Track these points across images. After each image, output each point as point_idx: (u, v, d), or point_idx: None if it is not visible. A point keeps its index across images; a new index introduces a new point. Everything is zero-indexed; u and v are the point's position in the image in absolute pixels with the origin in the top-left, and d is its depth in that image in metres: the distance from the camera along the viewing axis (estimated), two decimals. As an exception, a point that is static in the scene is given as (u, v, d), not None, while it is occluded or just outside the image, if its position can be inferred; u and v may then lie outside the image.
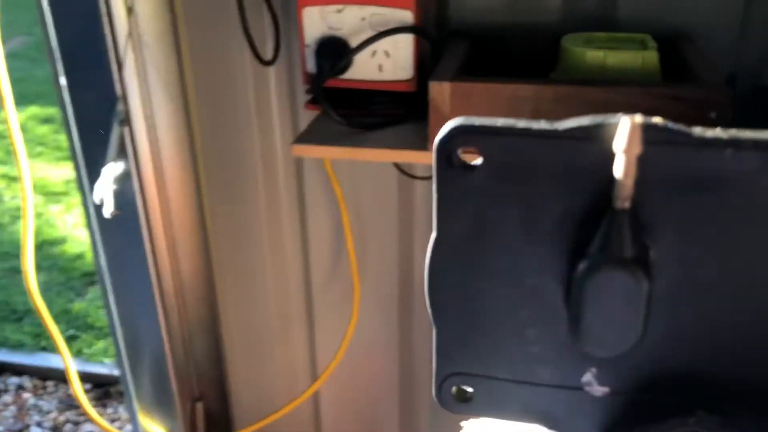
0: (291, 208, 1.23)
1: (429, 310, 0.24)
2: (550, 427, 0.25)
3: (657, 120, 0.20)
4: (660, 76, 0.88)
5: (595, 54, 0.89)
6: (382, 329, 1.31)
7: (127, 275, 1.22)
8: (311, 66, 0.97)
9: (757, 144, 0.18)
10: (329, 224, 1.23)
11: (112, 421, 1.97)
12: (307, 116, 1.12)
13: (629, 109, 0.75)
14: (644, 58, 0.88)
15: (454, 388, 0.26)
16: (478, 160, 0.21)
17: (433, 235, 0.23)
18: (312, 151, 0.93)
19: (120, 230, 1.18)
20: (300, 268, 1.29)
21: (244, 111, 1.15)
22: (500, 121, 0.21)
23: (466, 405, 0.25)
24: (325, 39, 0.94)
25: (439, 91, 0.85)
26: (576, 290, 0.21)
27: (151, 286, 1.23)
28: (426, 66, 0.97)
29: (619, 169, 0.19)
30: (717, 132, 0.19)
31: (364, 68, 0.96)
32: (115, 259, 1.21)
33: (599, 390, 0.23)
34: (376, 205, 1.19)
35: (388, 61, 0.95)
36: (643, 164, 0.19)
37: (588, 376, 0.23)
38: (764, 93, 0.85)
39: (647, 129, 0.19)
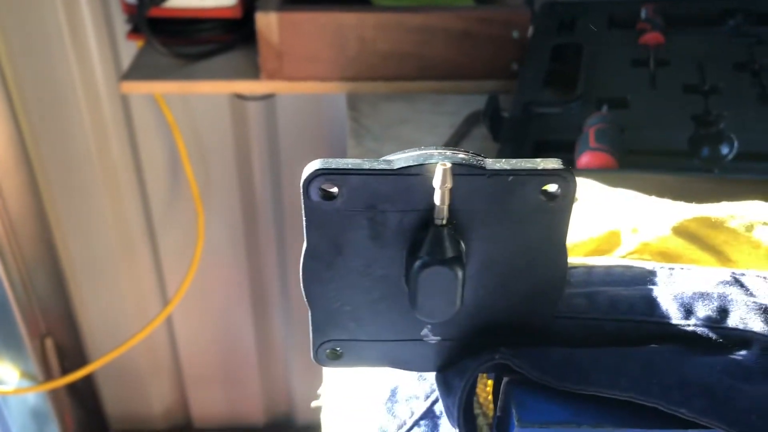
0: (120, 137, 1.21)
1: (304, 299, 0.31)
2: (400, 368, 0.33)
3: (462, 158, 0.27)
4: (472, 2, 0.95)
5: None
6: (229, 245, 1.35)
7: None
8: (130, -5, 0.94)
9: (528, 172, 0.27)
10: (162, 150, 1.22)
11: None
12: (127, 46, 1.09)
13: (445, 33, 0.81)
14: (454, -19, 0.95)
15: (327, 351, 0.33)
16: (335, 190, 0.27)
17: (304, 245, 0.29)
18: (141, 88, 0.92)
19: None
20: (137, 197, 1.29)
21: (57, 40, 1.10)
22: (350, 163, 0.27)
23: (337, 361, 0.33)
24: (142, -32, 0.92)
25: (266, 22, 0.87)
26: (412, 281, 0.28)
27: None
28: (249, -9, 0.97)
29: (437, 198, 0.27)
30: (503, 164, 0.27)
31: (186, -4, 0.95)
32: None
33: (433, 339, 0.32)
34: (211, 128, 1.20)
35: (210, -11, 0.95)
36: (453, 191, 0.27)
37: (425, 331, 0.32)
38: (553, 6, 0.95)
39: (454, 168, 0.26)
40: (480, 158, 0.28)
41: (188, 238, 1.28)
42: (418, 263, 0.28)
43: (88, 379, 1.48)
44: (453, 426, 0.31)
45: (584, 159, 0.66)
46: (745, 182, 0.63)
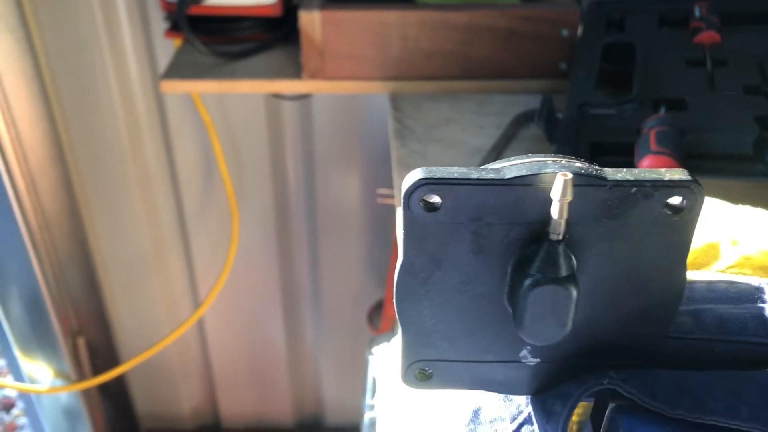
0: (155, 136, 1.20)
1: (397, 316, 0.29)
2: (494, 391, 0.31)
3: (579, 167, 0.25)
4: (518, -1, 0.93)
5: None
6: (261, 247, 1.34)
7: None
8: (169, -7, 0.93)
9: (654, 183, 0.25)
10: (196, 150, 1.21)
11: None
12: (163, 45, 1.08)
13: (490, 31, 0.79)
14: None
15: (417, 372, 0.31)
16: (437, 201, 0.25)
17: (400, 260, 0.27)
18: (181, 87, 0.91)
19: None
20: (171, 197, 1.28)
21: (93, 39, 1.09)
22: (456, 172, 0.25)
23: (426, 382, 0.31)
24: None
25: (309, 20, 0.85)
26: (521, 300, 0.26)
27: (17, 226, 1.18)
28: (289, -11, 0.96)
29: (554, 212, 0.25)
30: (624, 174, 0.25)
31: (226, -6, 0.93)
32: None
33: (532, 361, 0.30)
34: (246, 128, 1.19)
35: (250, -13, 0.93)
36: (571, 204, 0.25)
37: (524, 352, 0.29)
38: (601, 5, 0.92)
39: (575, 179, 0.24)
40: (597, 168, 0.25)
41: (221, 239, 1.27)
42: (529, 281, 0.26)
43: (119, 379, 1.47)
44: None
45: (646, 162, 0.64)
46: (813, 187, 0.60)
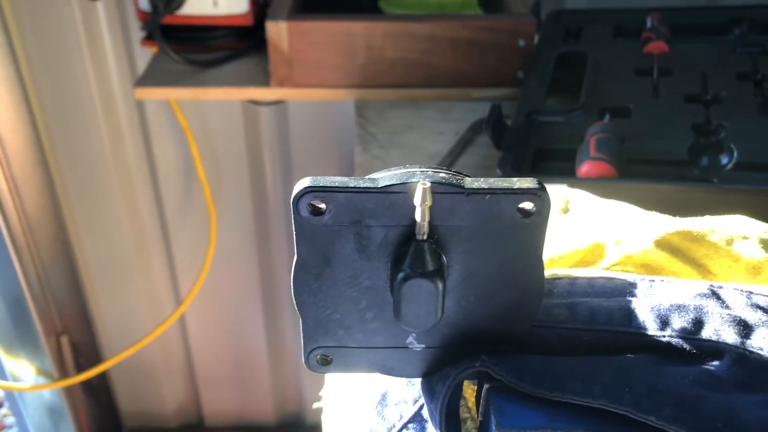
0: (135, 141, 1.24)
1: (296, 308, 0.33)
2: (388, 374, 0.35)
3: (442, 177, 0.28)
4: (479, 10, 0.97)
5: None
6: (241, 247, 1.37)
7: (-30, 222, 1.19)
8: (144, 3, 0.96)
9: (504, 191, 0.29)
10: (176, 153, 1.25)
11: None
12: (143, 52, 1.11)
13: (451, 41, 0.82)
14: (462, -10, 0.96)
15: (318, 357, 0.35)
16: (323, 206, 0.29)
17: (295, 258, 0.31)
18: (155, 94, 0.95)
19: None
20: (151, 200, 1.31)
21: (75, 46, 1.13)
22: (337, 181, 0.29)
23: (326, 367, 0.35)
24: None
25: (276, 30, 0.89)
26: (396, 292, 0.30)
27: (-2, 230, 1.21)
28: (261, -1, 0.99)
29: (418, 215, 0.28)
30: (480, 183, 0.29)
31: (199, 3, 0.97)
32: (-46, 207, 1.17)
33: (418, 347, 0.33)
34: (223, 133, 1.23)
35: (222, -3, 0.97)
36: (434, 208, 0.28)
37: (410, 339, 0.33)
38: (559, 15, 0.96)
39: (435, 186, 0.28)
40: (460, 177, 0.29)
41: (201, 239, 1.30)
42: (400, 275, 0.29)
43: (103, 377, 1.50)
44: (436, 429, 0.32)
45: (584, 168, 0.67)
46: (743, 192, 0.64)
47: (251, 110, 1.20)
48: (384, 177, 0.29)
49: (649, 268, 0.38)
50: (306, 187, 0.29)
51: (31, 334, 1.33)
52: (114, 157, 1.25)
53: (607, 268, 0.39)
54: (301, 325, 0.33)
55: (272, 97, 0.95)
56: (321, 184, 0.29)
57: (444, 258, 0.30)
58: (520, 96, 0.80)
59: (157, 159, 1.26)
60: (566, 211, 0.45)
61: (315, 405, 0.60)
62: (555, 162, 0.72)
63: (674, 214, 0.47)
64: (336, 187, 0.28)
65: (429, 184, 0.28)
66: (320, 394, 0.61)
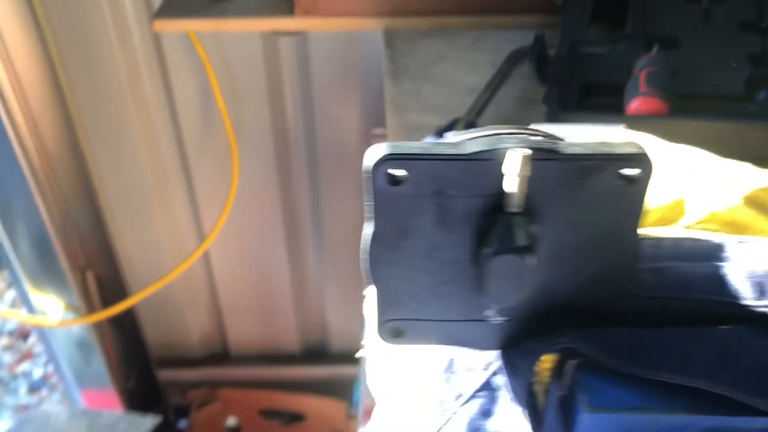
0: (153, 74, 1.20)
1: (368, 281, 0.30)
2: (463, 346, 0.33)
3: (536, 141, 0.26)
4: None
5: None
6: (263, 183, 1.35)
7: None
8: (158, -72, 0.91)
9: (604, 156, 0.26)
10: (195, 87, 1.21)
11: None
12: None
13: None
14: None
15: (390, 329, 0.33)
16: (402, 175, 0.26)
17: (371, 229, 0.29)
18: (174, 26, 0.91)
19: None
20: (171, 134, 1.28)
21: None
22: (418, 147, 0.26)
23: (399, 339, 0.33)
24: None
25: (301, -44, 0.84)
26: (482, 267, 0.28)
27: (19, 166, 1.20)
28: None
29: (511, 186, 0.26)
30: (578, 148, 0.26)
31: (217, -72, 0.92)
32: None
33: (497, 319, 0.31)
34: (243, 65, 1.19)
35: None
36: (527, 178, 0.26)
37: (489, 312, 0.31)
38: None
39: (532, 156, 0.25)
40: (554, 140, 0.26)
41: (222, 174, 1.28)
42: (488, 251, 0.27)
43: (129, 311, 1.51)
44: (518, 405, 0.31)
45: (635, 105, 0.64)
46: (804, 129, 0.61)
47: (271, 41, 1.15)
48: (470, 142, 0.26)
49: (735, 227, 0.36)
50: (385, 155, 0.26)
51: (56, 270, 1.33)
52: (132, 91, 1.21)
53: (690, 227, 0.36)
54: (376, 296, 0.31)
55: (297, 28, 0.91)
56: (400, 151, 0.26)
57: (534, 229, 0.28)
58: (562, 24, 0.76)
59: (176, 92, 1.22)
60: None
61: (358, 354, 0.59)
62: (602, 97, 0.69)
63: (729, 155, 0.45)
64: (417, 154, 0.26)
65: (526, 153, 0.25)
66: (362, 342, 0.60)
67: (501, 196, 0.27)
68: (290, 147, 1.31)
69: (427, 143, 0.26)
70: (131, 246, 1.43)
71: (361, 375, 1.10)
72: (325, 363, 1.68)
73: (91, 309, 1.35)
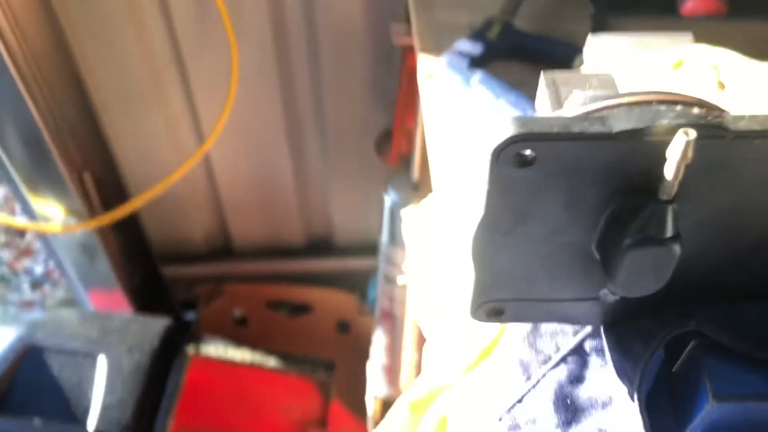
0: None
1: (472, 263, 0.26)
2: (565, 323, 0.30)
3: (697, 115, 0.21)
4: None
5: None
6: (262, 76, 1.29)
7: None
8: None
9: None
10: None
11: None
12: None
13: None
14: None
15: (488, 309, 0.29)
16: (531, 156, 0.22)
17: (481, 213, 0.24)
18: None
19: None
20: (163, 26, 1.20)
21: None
22: (555, 125, 0.21)
23: (497, 317, 0.30)
24: None
25: None
26: (617, 257, 0.24)
27: (3, 62, 1.12)
28: None
29: (669, 172, 0.21)
30: (748, 123, 0.21)
31: None
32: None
33: (612, 298, 0.28)
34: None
35: None
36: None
37: (605, 291, 0.28)
38: None
39: (699, 135, 0.21)
40: (717, 113, 0.22)
41: (219, 69, 1.21)
42: (630, 240, 0.23)
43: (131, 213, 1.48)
44: (632, 390, 0.28)
45: (690, 5, 0.58)
46: None
47: None
48: (616, 115, 0.22)
49: None
50: (514, 136, 0.21)
51: (52, 172, 1.28)
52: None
53: None
54: (473, 277, 0.28)
55: None
56: (534, 130, 0.21)
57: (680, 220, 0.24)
58: None
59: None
60: (722, 86, 0.38)
61: (399, 280, 0.56)
62: (652, -5, 0.63)
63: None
64: (555, 134, 0.21)
65: (693, 135, 0.20)
66: (403, 268, 0.57)
67: (646, 176, 0.23)
68: (289, 36, 1.24)
69: (562, 118, 0.22)
70: (129, 147, 1.38)
71: (379, 272, 1.09)
72: (330, 256, 1.68)
73: (92, 212, 1.32)
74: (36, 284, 1.97)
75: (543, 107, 0.28)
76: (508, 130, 0.21)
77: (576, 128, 0.21)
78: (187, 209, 1.53)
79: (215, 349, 1.27)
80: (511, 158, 0.22)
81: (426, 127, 0.63)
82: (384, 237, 1.02)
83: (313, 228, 1.65)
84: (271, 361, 1.30)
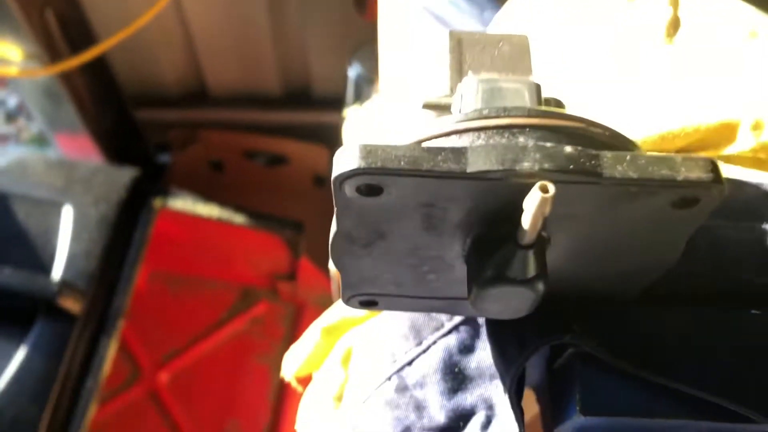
0: None
1: (334, 265, 0.24)
2: (442, 313, 0.29)
3: (568, 156, 0.18)
4: None
5: None
6: None
7: None
8: None
9: (663, 183, 0.19)
10: None
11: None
12: None
13: None
14: None
15: (360, 301, 0.28)
16: (381, 186, 0.19)
17: (333, 227, 0.22)
18: None
19: None
20: None
21: None
22: (403, 158, 0.18)
23: (371, 306, 0.28)
24: None
25: None
26: (478, 288, 0.22)
27: None
28: None
29: (525, 222, 0.19)
30: (626, 169, 0.18)
31: None
32: None
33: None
34: None
35: None
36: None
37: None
38: None
39: (556, 175, 0.18)
40: (593, 155, 0.19)
41: None
42: (489, 275, 0.21)
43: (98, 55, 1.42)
44: (504, 394, 0.27)
45: None
46: None
47: None
48: (474, 151, 0.19)
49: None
50: (355, 169, 0.19)
51: (7, 9, 1.20)
52: None
53: (733, 156, 0.29)
54: (339, 277, 0.26)
55: None
56: (378, 165, 0.18)
57: (546, 251, 0.21)
58: None
59: None
60: (675, 27, 0.34)
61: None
62: None
63: None
64: (401, 169, 0.18)
65: (552, 191, 0.18)
66: (353, 106, 0.54)
67: (510, 214, 0.20)
68: None
69: (413, 147, 0.19)
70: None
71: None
72: (307, 108, 1.63)
73: (56, 55, 1.26)
74: (11, 116, 1.94)
75: (443, 74, 0.25)
76: (351, 162, 0.19)
77: (426, 165, 0.19)
78: (159, 51, 1.47)
79: (183, 203, 1.26)
80: (355, 188, 0.20)
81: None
82: (348, 102, 0.98)
83: (290, 78, 1.59)
84: (239, 218, 1.30)
